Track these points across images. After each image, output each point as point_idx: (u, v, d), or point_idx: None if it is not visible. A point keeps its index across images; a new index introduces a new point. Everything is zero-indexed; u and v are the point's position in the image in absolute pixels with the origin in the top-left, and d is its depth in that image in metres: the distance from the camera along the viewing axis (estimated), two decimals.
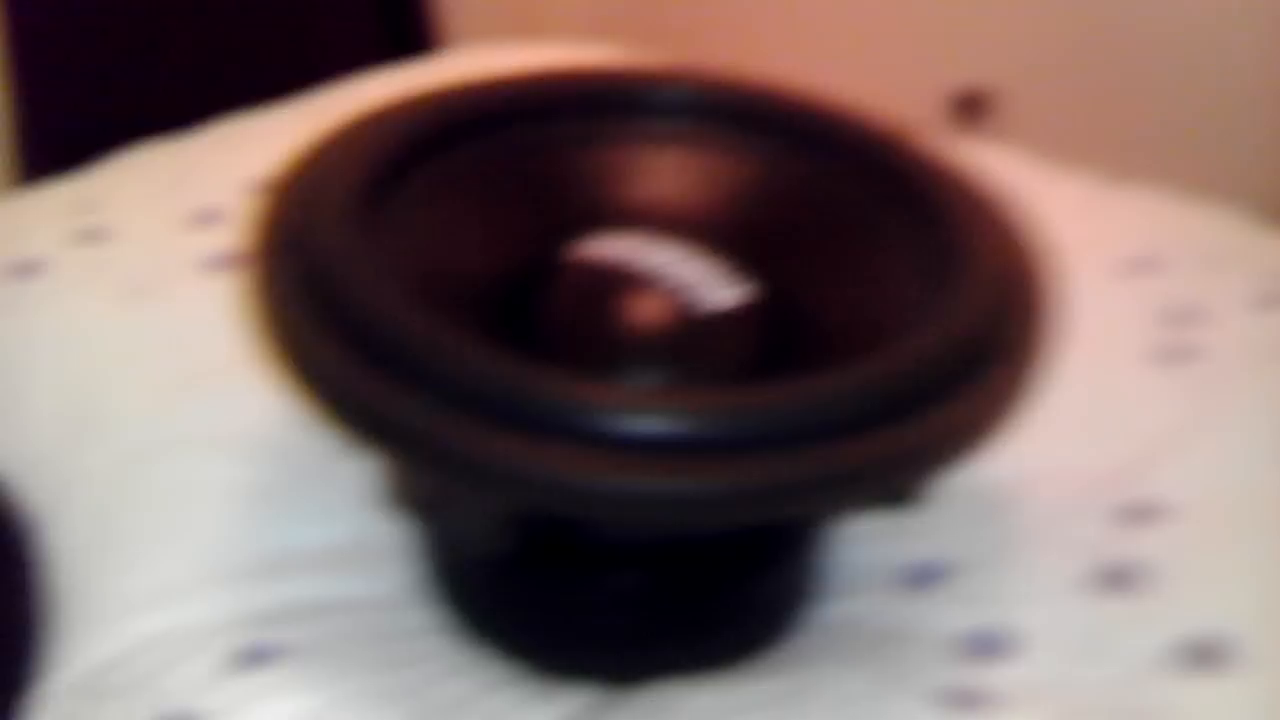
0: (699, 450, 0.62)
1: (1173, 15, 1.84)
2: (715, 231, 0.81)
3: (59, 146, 1.28)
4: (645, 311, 0.75)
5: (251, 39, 1.54)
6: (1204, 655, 0.75)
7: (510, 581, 0.77)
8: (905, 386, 0.65)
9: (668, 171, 0.85)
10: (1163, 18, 1.85)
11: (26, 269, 1.01)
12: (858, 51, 2.04)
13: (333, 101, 1.21)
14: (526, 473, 0.61)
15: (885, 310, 0.75)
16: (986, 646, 0.76)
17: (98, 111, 1.40)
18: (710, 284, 0.76)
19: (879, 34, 2.07)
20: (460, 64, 1.32)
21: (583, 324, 0.75)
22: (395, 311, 0.66)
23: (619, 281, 0.76)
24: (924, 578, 0.81)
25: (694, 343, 0.74)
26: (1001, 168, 1.12)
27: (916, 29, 2.06)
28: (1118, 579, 0.79)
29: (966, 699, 0.72)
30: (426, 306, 0.67)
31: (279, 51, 1.55)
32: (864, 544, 0.84)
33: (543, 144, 0.84)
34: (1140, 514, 0.84)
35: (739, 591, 0.78)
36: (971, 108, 2.09)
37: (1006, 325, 0.71)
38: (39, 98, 1.36)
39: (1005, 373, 0.69)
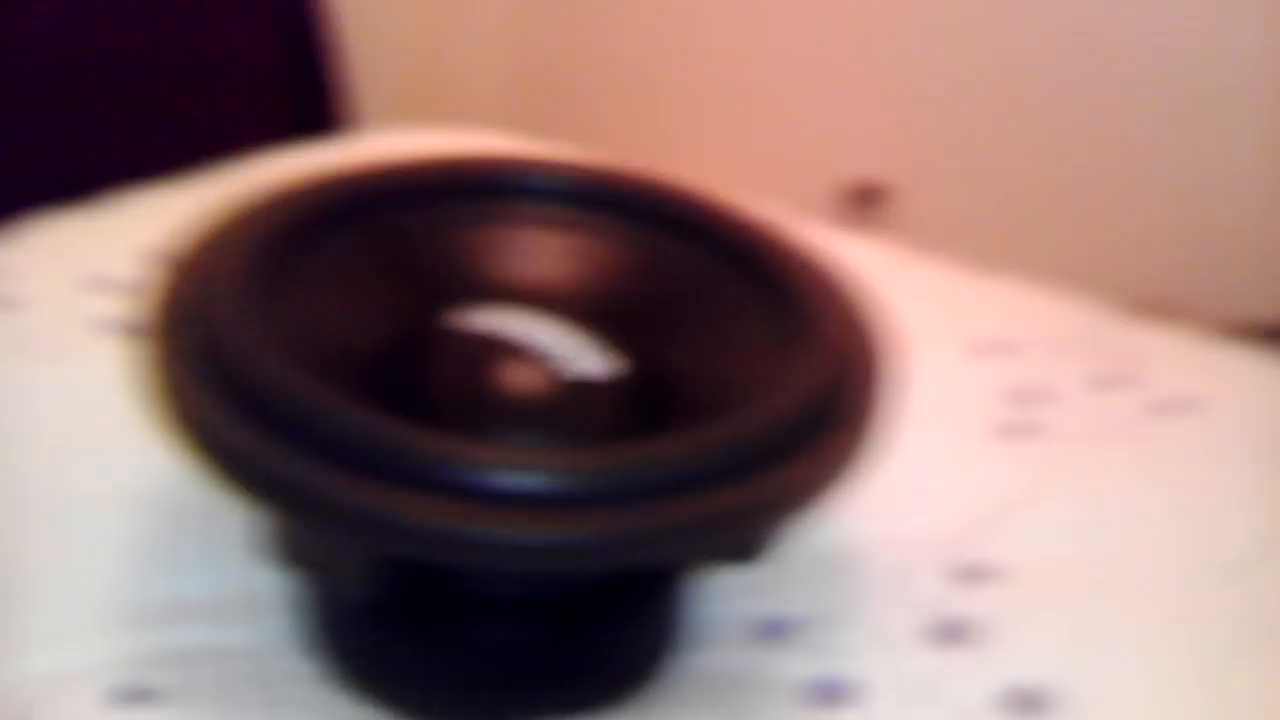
0: (559, 504, 0.67)
1: (1063, 109, 1.95)
2: (586, 308, 0.87)
3: None
4: (518, 378, 0.80)
5: (160, 110, 1.58)
6: (1028, 702, 0.80)
7: (383, 632, 0.80)
8: (748, 447, 0.71)
9: (543, 252, 0.91)
10: (1053, 112, 1.96)
11: None
12: (761, 143, 2.13)
13: (234, 178, 1.25)
14: (397, 521, 0.65)
15: (740, 379, 0.81)
16: (831, 692, 0.81)
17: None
18: (580, 354, 0.81)
19: (780, 127, 2.16)
20: (366, 146, 1.38)
21: (459, 389, 0.80)
22: (280, 374, 0.70)
23: (494, 350, 0.81)
24: (774, 630, 0.86)
25: (564, 408, 0.79)
26: (871, 256, 1.21)
27: (814, 124, 2.15)
28: (951, 633, 0.85)
29: None
30: (312, 373, 0.71)
31: (188, 124, 1.60)
32: (720, 600, 0.89)
33: (427, 225, 0.90)
34: (974, 574, 0.90)
35: (603, 642, 0.82)
36: (866, 199, 2.18)
37: (846, 393, 0.77)
38: None
39: (842, 436, 0.75)
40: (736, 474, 0.69)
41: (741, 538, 0.74)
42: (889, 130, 2.13)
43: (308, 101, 1.74)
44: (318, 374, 0.71)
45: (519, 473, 0.67)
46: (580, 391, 0.80)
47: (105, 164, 1.41)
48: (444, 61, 2.22)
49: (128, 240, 1.16)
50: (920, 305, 1.20)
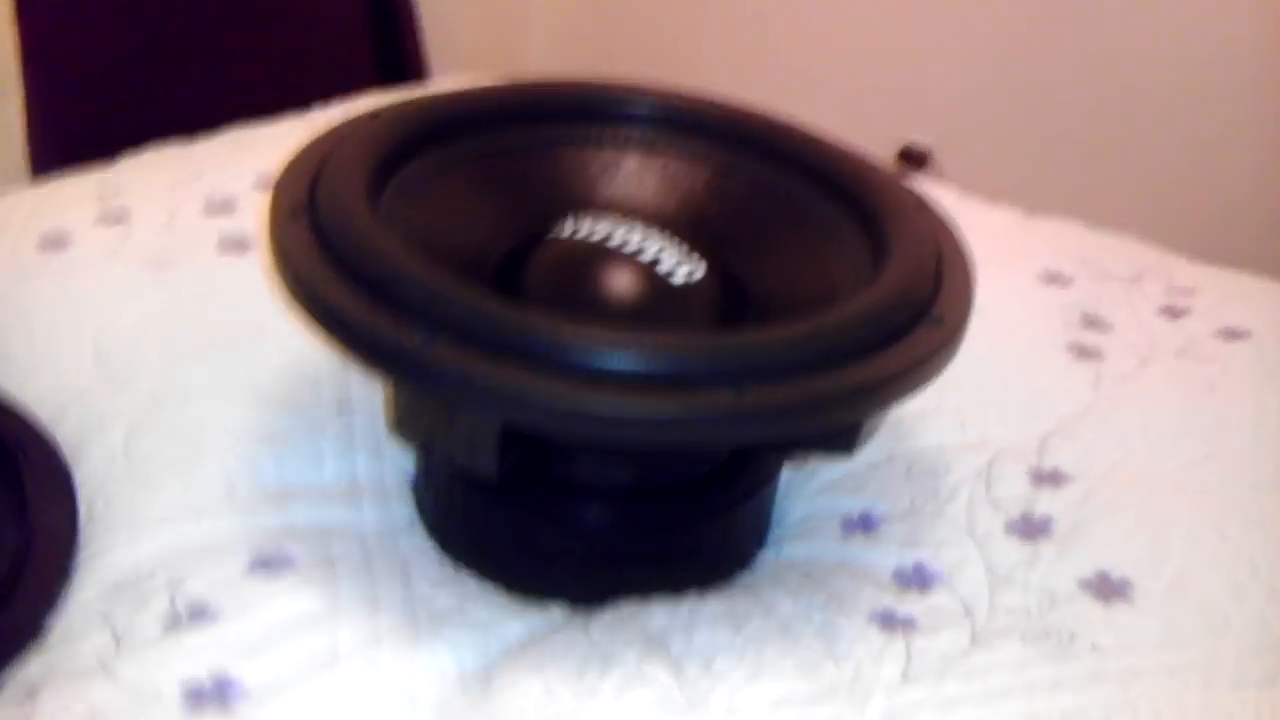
0: (671, 382, 0.68)
1: (1107, 73, 1.95)
2: (681, 225, 0.88)
3: (66, 150, 1.34)
4: (621, 281, 0.82)
5: (252, 64, 1.61)
6: (1109, 586, 0.82)
7: (501, 514, 0.82)
8: (848, 337, 0.72)
9: (640, 172, 0.92)
10: (1097, 77, 1.96)
11: (56, 241, 1.07)
12: (807, 109, 2.14)
13: (333, 116, 1.27)
14: (521, 394, 0.66)
15: (831, 290, 0.82)
16: (921, 578, 0.82)
17: (102, 121, 1.46)
18: (679, 264, 0.83)
19: (825, 93, 2.17)
20: (446, 89, 1.40)
21: (568, 291, 0.82)
22: (406, 259, 0.72)
23: (597, 257, 0.83)
24: (865, 524, 0.88)
25: (662, 308, 0.80)
26: (941, 197, 1.22)
27: (859, 89, 2.16)
28: (1036, 528, 0.86)
29: (900, 621, 0.79)
30: (428, 261, 0.73)
31: (278, 75, 1.62)
32: (814, 497, 0.91)
33: (526, 142, 0.91)
34: (1053, 478, 0.91)
35: (705, 528, 0.84)
36: (912, 164, 2.19)
37: (936, 294, 0.78)
38: (48, 104, 1.41)
39: (935, 331, 0.76)
40: (836, 362, 0.70)
41: (840, 423, 0.75)
42: (934, 96, 2.13)
43: (387, 53, 1.76)
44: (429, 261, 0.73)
45: (635, 351, 0.68)
46: (680, 296, 0.81)
47: (197, 111, 1.43)
48: (513, 14, 2.24)
49: (238, 166, 1.19)
50: (989, 240, 1.22)
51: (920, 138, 2.18)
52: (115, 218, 1.11)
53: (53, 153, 1.40)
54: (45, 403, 0.91)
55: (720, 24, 2.26)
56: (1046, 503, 0.89)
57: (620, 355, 0.68)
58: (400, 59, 1.75)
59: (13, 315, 0.98)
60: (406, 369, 0.69)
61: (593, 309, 0.80)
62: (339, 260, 0.73)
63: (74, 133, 1.43)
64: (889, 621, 0.79)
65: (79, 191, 1.15)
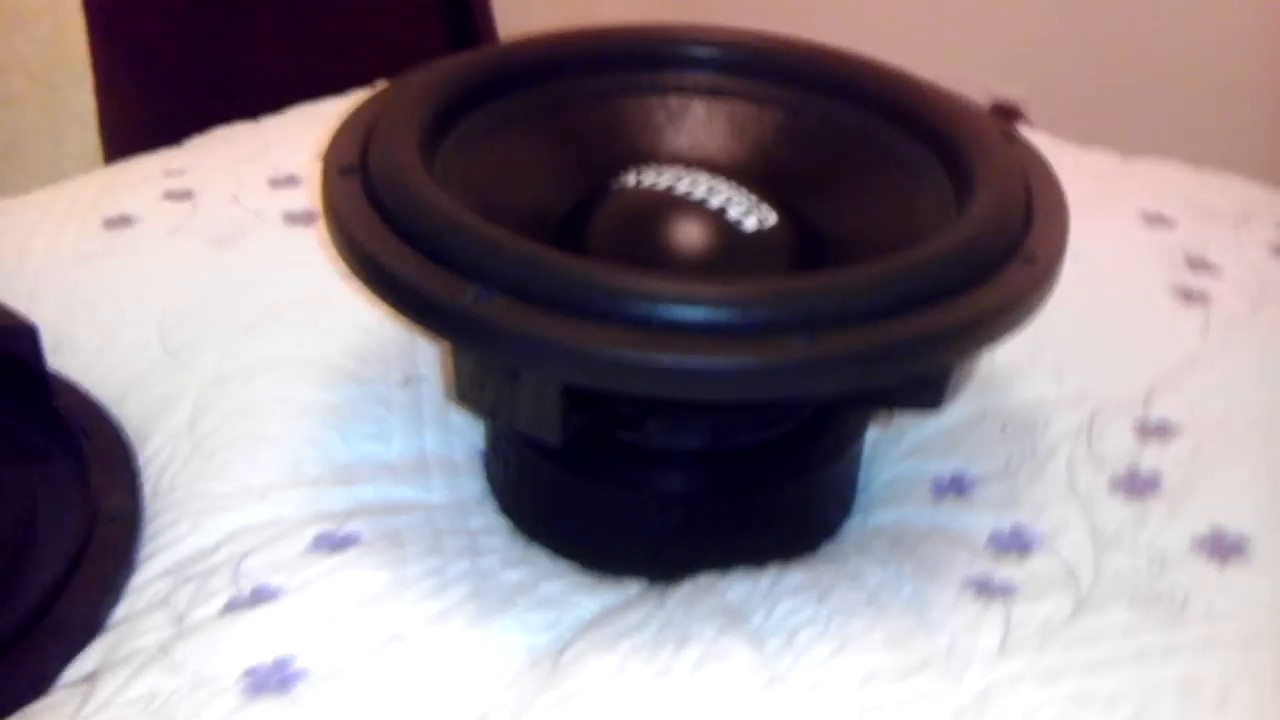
0: (743, 332, 0.63)
1: (1200, 18, 1.86)
2: (753, 171, 0.84)
3: (138, 135, 1.33)
4: (689, 231, 0.77)
5: (322, 41, 1.59)
6: (1216, 549, 0.75)
7: (570, 487, 0.78)
8: (930, 277, 0.66)
9: (707, 118, 0.87)
10: (1190, 22, 1.87)
11: (120, 222, 1.05)
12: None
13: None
14: (584, 351, 0.62)
15: (914, 232, 0.77)
16: (1021, 542, 0.77)
17: (172, 106, 1.45)
18: (751, 211, 0.78)
19: (916, 45, 2.10)
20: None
21: (632, 242, 0.77)
22: (451, 211, 0.68)
23: (665, 207, 0.78)
24: (958, 487, 0.82)
25: (733, 257, 0.75)
26: (1034, 141, 1.15)
27: (950, 42, 2.09)
28: (1143, 485, 0.80)
29: (998, 588, 0.74)
30: (484, 218, 0.69)
31: (347, 51, 1.60)
32: (903, 460, 0.85)
33: (585, 93, 0.87)
34: (1160, 431, 0.85)
35: (785, 495, 0.79)
36: (1004, 118, 2.11)
37: (1026, 231, 0.72)
38: (120, 90, 1.41)
39: (1026, 270, 0.70)
40: (917, 304, 0.65)
41: (924, 372, 0.69)
42: (1024, 47, 2.06)
43: (457, 24, 1.73)
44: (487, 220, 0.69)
45: (698, 301, 0.63)
46: (752, 244, 0.76)
47: (266, 91, 1.41)
48: None
49: (303, 142, 1.16)
50: (1085, 183, 1.15)
51: (1011, 91, 2.10)
52: (180, 195, 1.09)
53: (126, 138, 1.39)
54: (109, 384, 0.89)
55: None
56: (1154, 457, 0.82)
57: (683, 305, 0.63)
58: (471, 31, 1.72)
59: (77, 297, 0.97)
60: (460, 328, 0.65)
61: (660, 260, 0.76)
62: (391, 218, 0.69)
63: (146, 118, 1.43)
64: (985, 589, 0.73)
65: (145, 172, 1.14)
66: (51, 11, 1.32)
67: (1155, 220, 1.10)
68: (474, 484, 0.84)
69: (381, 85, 1.29)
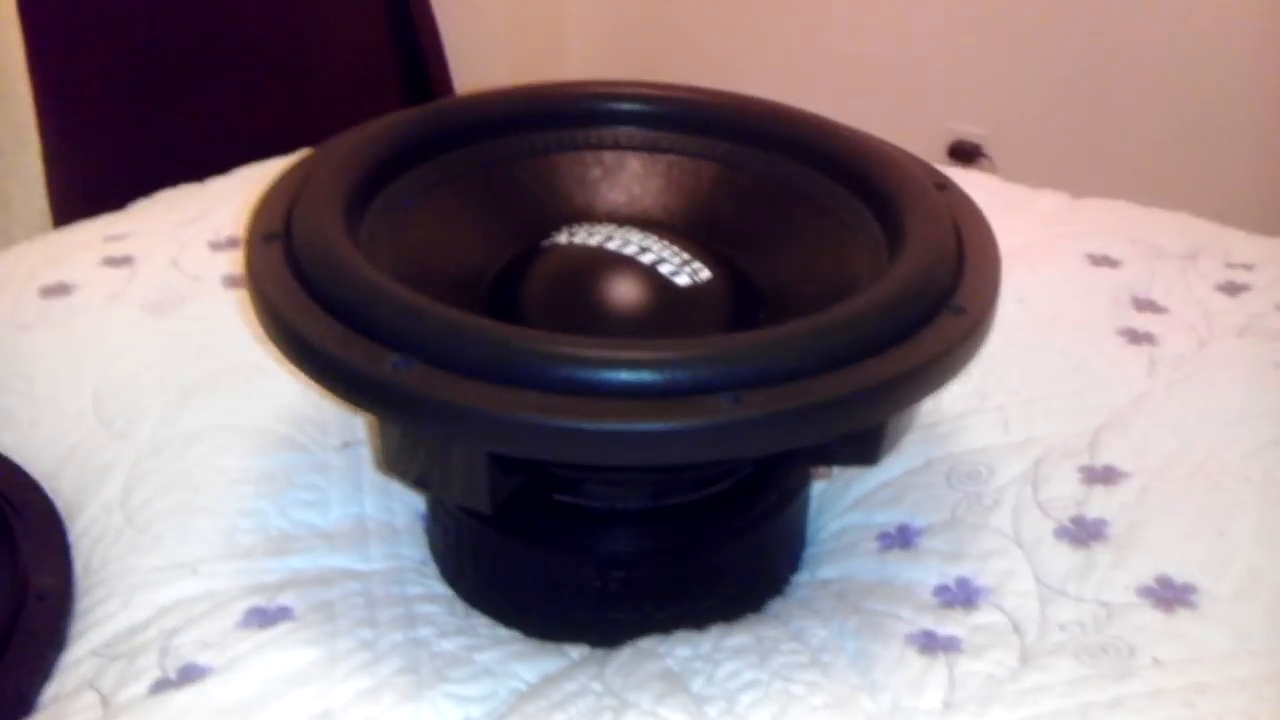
0: (673, 394, 0.62)
1: (1157, 60, 1.87)
2: (685, 225, 0.83)
3: (84, 196, 1.31)
4: (621, 288, 0.76)
5: (275, 100, 1.58)
6: (1162, 597, 0.74)
7: (507, 552, 0.77)
8: (862, 332, 0.65)
9: (638, 174, 0.87)
10: (1149, 64, 1.88)
11: (58, 290, 1.03)
12: (856, 102, 2.07)
13: None
14: (511, 420, 0.61)
15: (846, 284, 0.75)
16: (960, 597, 0.76)
17: (120, 166, 1.43)
18: (683, 266, 0.77)
19: (873, 86, 2.11)
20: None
21: (564, 302, 0.76)
22: (370, 278, 0.67)
23: (595, 264, 0.77)
24: (904, 539, 0.81)
25: (667, 314, 0.74)
26: (983, 184, 1.15)
27: (909, 85, 2.10)
28: (1080, 535, 0.79)
29: (941, 644, 0.72)
30: (410, 288, 0.68)
31: (301, 105, 1.59)
32: (846, 513, 0.84)
33: (518, 151, 0.86)
34: (1106, 477, 0.84)
35: (728, 553, 0.77)
36: (962, 158, 2.12)
37: (958, 281, 0.71)
38: (66, 152, 1.39)
39: (957, 321, 0.69)
40: (844, 360, 0.64)
41: (854, 428, 0.68)
42: (983, 88, 2.06)
43: (411, 79, 1.72)
44: (413, 287, 0.68)
45: (621, 363, 0.62)
46: (687, 298, 0.75)
47: (214, 147, 1.40)
48: (534, 34, 2.19)
49: (245, 203, 1.15)
50: (1034, 224, 1.15)
51: (971, 130, 2.11)
52: (119, 261, 1.07)
53: (74, 201, 1.37)
54: (44, 456, 0.88)
55: (761, 24, 2.20)
56: (1100, 504, 0.81)
57: (605, 369, 0.62)
58: (427, 87, 1.72)
59: (13, 368, 0.95)
60: (379, 398, 0.64)
61: (593, 319, 0.75)
62: (312, 287, 0.68)
63: (94, 180, 1.41)
64: (930, 644, 0.72)
65: (85, 238, 1.13)
66: None
67: (1101, 261, 1.09)
68: (414, 550, 0.82)
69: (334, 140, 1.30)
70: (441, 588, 0.79)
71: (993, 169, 2.06)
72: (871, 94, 2.11)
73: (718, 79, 0.98)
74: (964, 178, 0.89)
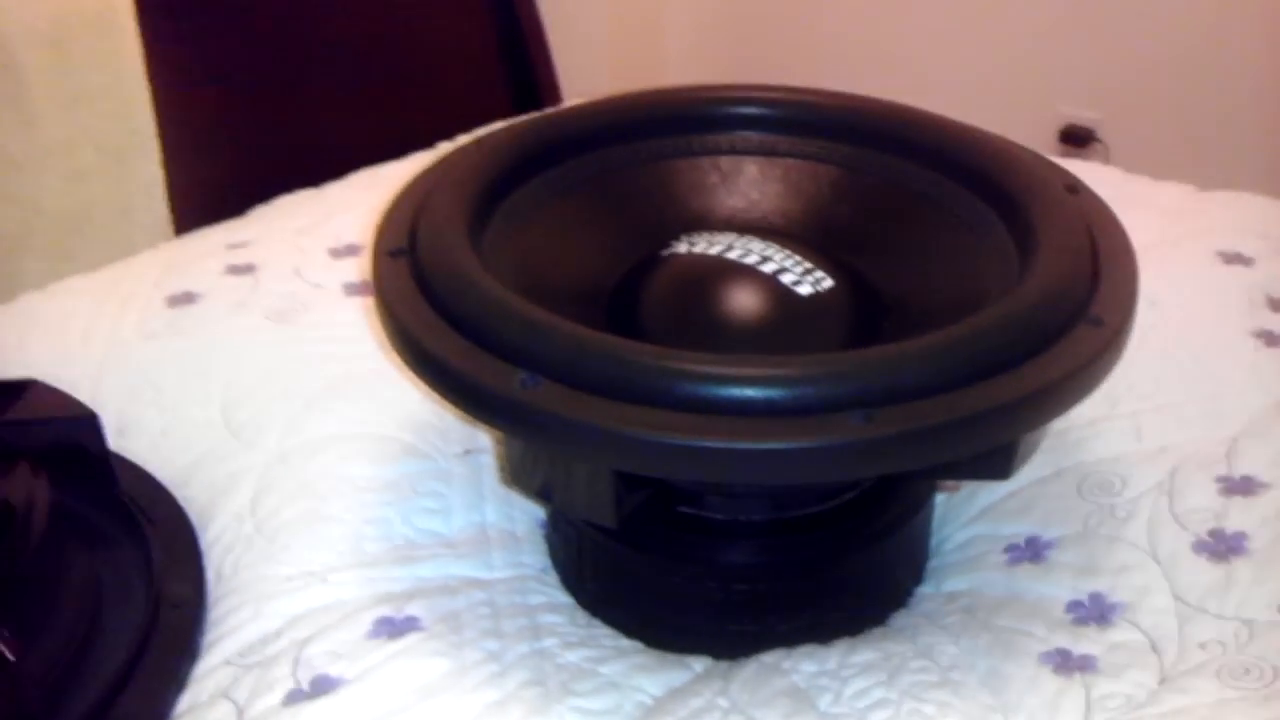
0: (800, 412, 0.61)
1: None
2: (800, 229, 0.82)
3: (205, 203, 1.33)
4: (742, 299, 0.75)
5: (385, 102, 1.59)
6: None
7: (630, 563, 0.76)
8: (996, 345, 0.64)
9: (759, 179, 0.86)
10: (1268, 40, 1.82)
11: (183, 299, 1.05)
12: (970, 88, 2.03)
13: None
14: (636, 439, 0.60)
15: (976, 293, 0.74)
16: (1094, 614, 0.74)
17: (240, 172, 1.46)
18: (799, 275, 0.76)
19: (986, 75, 2.06)
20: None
21: (685, 313, 0.76)
22: (495, 295, 0.67)
23: (715, 274, 0.76)
24: (1034, 553, 0.79)
25: (789, 325, 0.73)
26: (1104, 176, 1.12)
27: (1021, 67, 2.05)
28: (1221, 548, 0.76)
29: (1077, 663, 0.70)
30: (531, 300, 0.68)
31: (411, 112, 1.60)
32: (975, 524, 0.82)
33: (636, 158, 0.86)
34: (1241, 487, 0.81)
35: (844, 563, 0.76)
36: (1075, 143, 2.07)
37: (1094, 291, 0.69)
38: (186, 159, 1.42)
39: (1095, 333, 0.67)
40: (977, 376, 0.62)
41: (987, 446, 0.66)
42: (1097, 70, 2.01)
43: (519, 82, 1.72)
44: (535, 302, 0.68)
45: (749, 380, 0.61)
46: (809, 308, 0.74)
47: (333, 153, 1.41)
48: (649, 34, 2.19)
49: (363, 208, 1.16)
50: (1159, 220, 1.11)
51: (1084, 114, 2.06)
52: (242, 269, 1.09)
53: (194, 206, 1.40)
54: (174, 464, 0.89)
55: (859, 12, 2.17)
56: (1239, 516, 0.79)
57: (732, 386, 0.61)
58: (534, 88, 1.72)
59: (143, 377, 0.97)
60: (508, 415, 0.64)
61: (714, 331, 0.74)
62: (439, 302, 0.68)
63: (213, 185, 1.44)
64: (1064, 663, 0.70)
65: (208, 246, 1.15)
66: (117, 85, 1.34)
67: (1233, 259, 1.05)
68: (535, 558, 0.82)
69: (443, 148, 1.31)
70: (563, 596, 0.79)
71: (1107, 155, 2.01)
72: (978, 77, 2.07)
73: (815, 76, 0.96)
74: (1081, 169, 0.87)
